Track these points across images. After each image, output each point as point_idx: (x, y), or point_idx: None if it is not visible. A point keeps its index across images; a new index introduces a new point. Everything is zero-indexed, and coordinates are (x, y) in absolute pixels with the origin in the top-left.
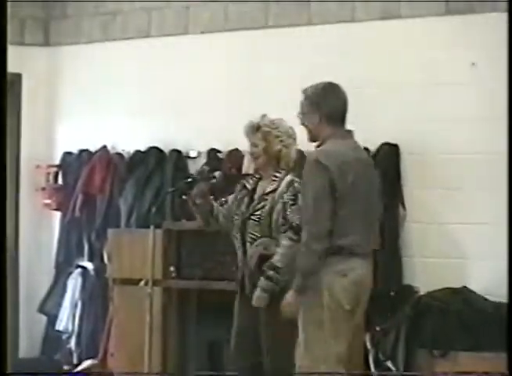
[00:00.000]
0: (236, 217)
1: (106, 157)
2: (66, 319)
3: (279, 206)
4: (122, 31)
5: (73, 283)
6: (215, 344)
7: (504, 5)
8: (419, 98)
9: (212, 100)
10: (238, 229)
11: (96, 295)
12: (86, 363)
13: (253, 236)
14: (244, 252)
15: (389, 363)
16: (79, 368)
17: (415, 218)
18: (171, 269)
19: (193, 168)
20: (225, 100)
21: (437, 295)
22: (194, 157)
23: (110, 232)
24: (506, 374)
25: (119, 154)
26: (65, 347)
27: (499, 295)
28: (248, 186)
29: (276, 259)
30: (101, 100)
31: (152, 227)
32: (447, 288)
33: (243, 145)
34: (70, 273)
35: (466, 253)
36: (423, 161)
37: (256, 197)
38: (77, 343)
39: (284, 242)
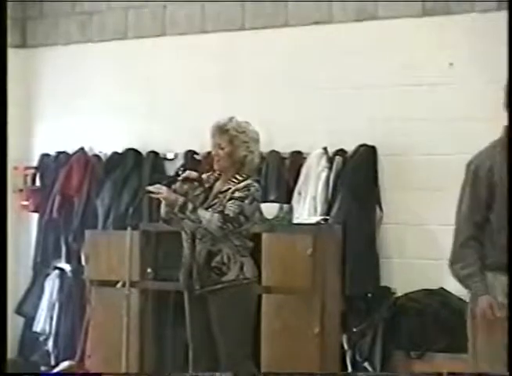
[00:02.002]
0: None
1: (83, 159)
2: (44, 321)
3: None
4: (99, 32)
5: (51, 284)
6: None
7: (481, 5)
8: (396, 99)
9: (189, 102)
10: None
11: (74, 297)
12: (63, 365)
13: (204, 233)
14: (193, 249)
15: (366, 364)
16: (56, 369)
17: (392, 220)
18: (149, 270)
19: (171, 169)
20: (202, 102)
21: (414, 297)
22: (171, 159)
23: (88, 233)
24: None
25: (96, 156)
26: (42, 348)
27: None
28: (206, 183)
29: (206, 214)
30: (78, 102)
31: (129, 229)
32: (424, 290)
33: None
34: (48, 275)
35: (443, 254)
36: (400, 163)
37: (211, 195)
38: (55, 344)
39: (215, 216)
